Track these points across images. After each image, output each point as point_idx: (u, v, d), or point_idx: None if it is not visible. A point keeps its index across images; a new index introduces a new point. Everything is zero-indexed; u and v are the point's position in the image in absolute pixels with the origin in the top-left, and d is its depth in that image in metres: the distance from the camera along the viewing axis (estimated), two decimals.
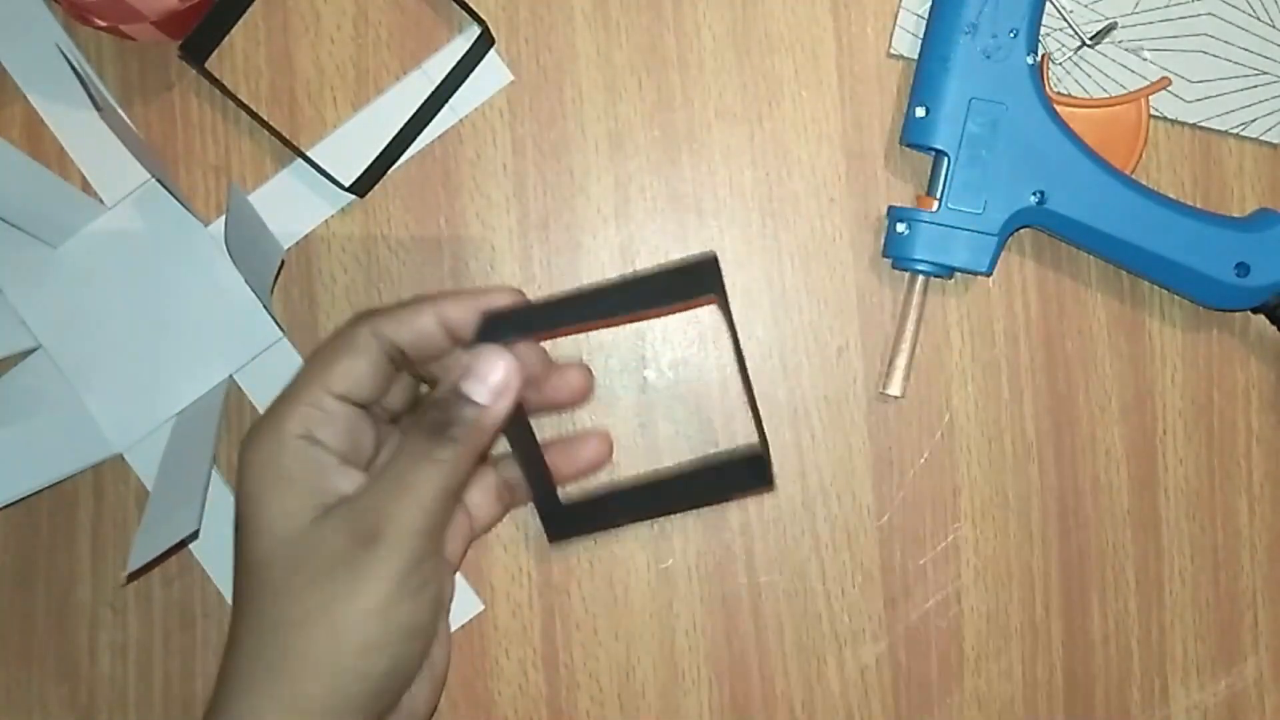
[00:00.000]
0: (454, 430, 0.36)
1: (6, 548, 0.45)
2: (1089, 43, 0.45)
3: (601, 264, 0.46)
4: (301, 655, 0.35)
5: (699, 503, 0.45)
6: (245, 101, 0.44)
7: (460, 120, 0.45)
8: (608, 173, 0.46)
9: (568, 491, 0.43)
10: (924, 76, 0.44)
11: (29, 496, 0.43)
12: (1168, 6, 0.46)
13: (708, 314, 0.46)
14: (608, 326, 0.45)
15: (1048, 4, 0.44)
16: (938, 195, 0.44)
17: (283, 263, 0.45)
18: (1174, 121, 0.46)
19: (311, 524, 0.36)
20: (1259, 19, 0.46)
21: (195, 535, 0.43)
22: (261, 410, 0.45)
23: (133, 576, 0.44)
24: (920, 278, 0.45)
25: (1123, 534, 0.47)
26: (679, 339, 0.46)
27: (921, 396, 0.46)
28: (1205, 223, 0.44)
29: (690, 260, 0.38)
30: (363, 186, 0.45)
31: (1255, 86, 0.46)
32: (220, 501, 0.44)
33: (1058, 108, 0.44)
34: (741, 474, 0.43)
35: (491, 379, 0.37)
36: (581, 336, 0.46)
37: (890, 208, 0.45)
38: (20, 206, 0.41)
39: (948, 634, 0.46)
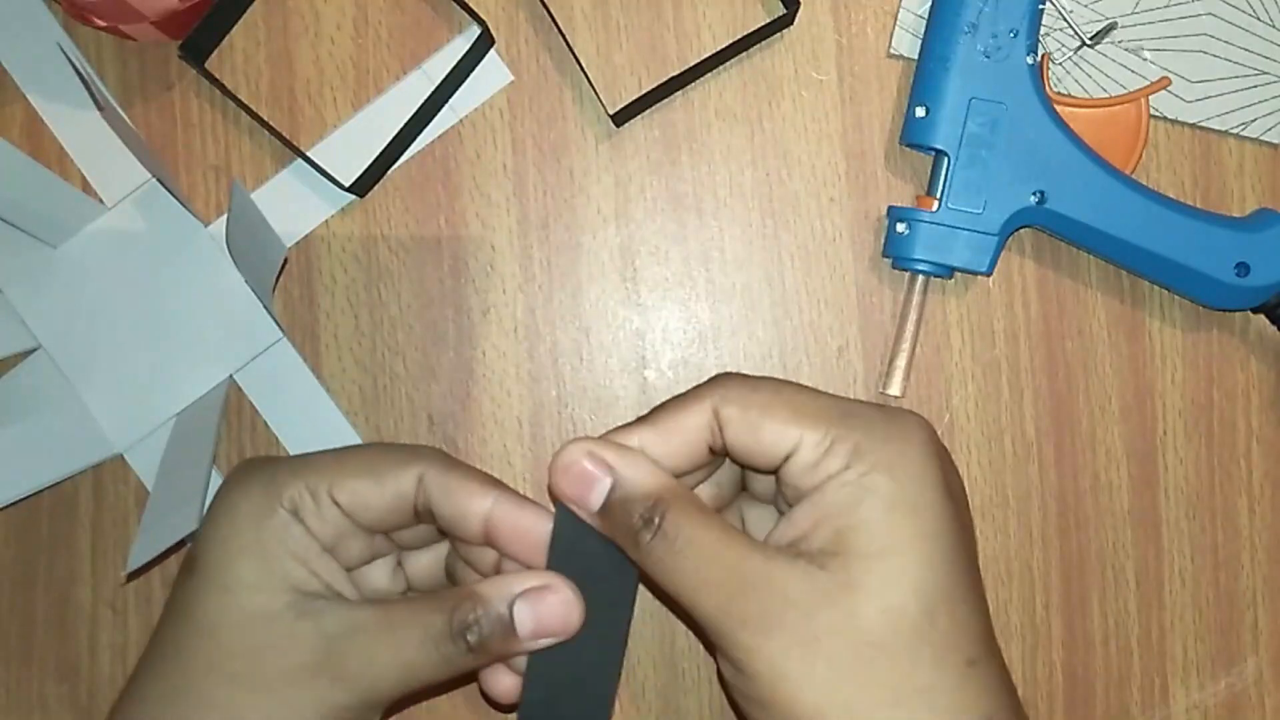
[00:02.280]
0: (475, 639, 0.33)
1: (6, 548, 0.45)
2: (1089, 43, 0.45)
3: (601, 264, 0.46)
4: None
5: None
6: (245, 101, 0.44)
7: (460, 120, 0.45)
8: (608, 173, 0.46)
9: None
10: (924, 76, 0.44)
11: (29, 496, 0.43)
12: (1168, 6, 0.46)
13: (707, 314, 0.46)
14: None
15: (1048, 4, 0.44)
16: (938, 195, 0.44)
17: (285, 261, 0.45)
18: (1174, 121, 0.46)
19: (280, 617, 0.33)
20: (1259, 19, 0.46)
21: (195, 534, 0.43)
22: (261, 410, 0.45)
23: (133, 575, 0.44)
24: (920, 278, 0.45)
25: (1123, 534, 0.47)
26: (679, 339, 0.46)
27: (921, 396, 0.46)
28: (1205, 223, 0.44)
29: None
30: (363, 186, 0.45)
31: (1255, 86, 0.46)
32: None
33: (1058, 108, 0.44)
34: None
35: (547, 620, 0.33)
36: (581, 336, 0.46)
37: (890, 208, 0.45)
38: (20, 206, 0.41)
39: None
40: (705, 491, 0.37)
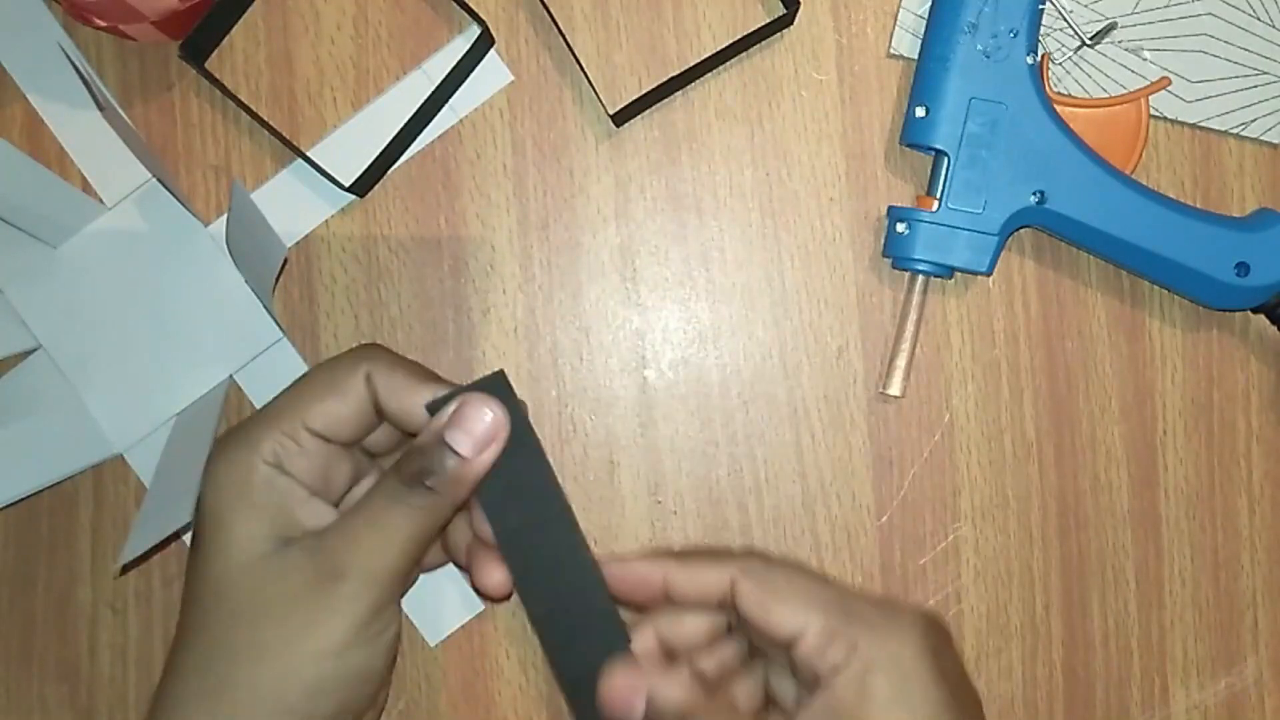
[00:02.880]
0: (432, 480, 0.36)
1: (6, 548, 0.45)
2: (1089, 43, 0.45)
3: (601, 264, 0.46)
4: (247, 688, 0.34)
5: None
6: (245, 101, 0.44)
7: (460, 120, 0.45)
8: (608, 173, 0.46)
9: None
10: (924, 76, 0.44)
11: (29, 496, 0.43)
12: (1168, 6, 0.46)
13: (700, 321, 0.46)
14: None
15: (1048, 4, 0.44)
16: (938, 195, 0.44)
17: (285, 260, 0.45)
18: (1174, 121, 0.46)
19: (274, 554, 0.35)
20: (1259, 19, 0.46)
21: (189, 527, 0.43)
22: None
23: (127, 567, 0.44)
24: (920, 278, 0.45)
25: (1123, 534, 0.47)
26: (679, 339, 0.46)
27: (921, 396, 0.46)
28: (1205, 223, 0.44)
29: (480, 380, 0.38)
30: (363, 186, 0.45)
31: (1255, 86, 0.46)
32: None
33: (1058, 108, 0.44)
34: None
35: (477, 429, 0.36)
36: (581, 336, 0.46)
37: (890, 208, 0.45)
38: (20, 206, 0.41)
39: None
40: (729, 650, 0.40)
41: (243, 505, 0.36)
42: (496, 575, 0.39)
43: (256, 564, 0.35)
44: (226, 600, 0.35)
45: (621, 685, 0.37)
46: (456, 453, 0.36)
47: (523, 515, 0.38)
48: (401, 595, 0.38)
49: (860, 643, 0.36)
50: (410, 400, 0.37)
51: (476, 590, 0.41)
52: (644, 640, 0.39)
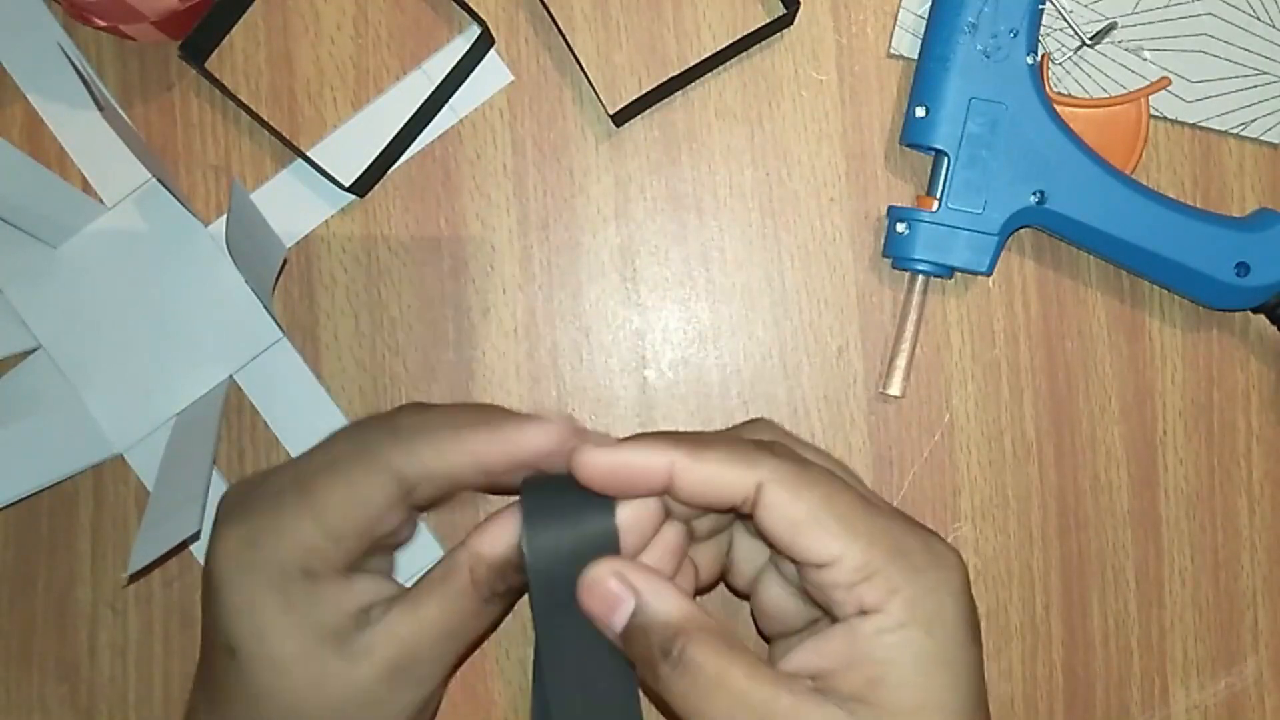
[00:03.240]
0: (500, 589, 0.34)
1: (6, 548, 0.45)
2: (1089, 43, 0.45)
3: (601, 264, 0.46)
4: None
5: None
6: (245, 101, 0.44)
7: (460, 120, 0.45)
8: (608, 173, 0.46)
9: None
10: (924, 76, 0.44)
11: (29, 496, 0.43)
12: (1168, 6, 0.46)
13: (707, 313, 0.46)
14: None
15: (1048, 4, 0.44)
16: (938, 195, 0.44)
17: (285, 260, 0.45)
18: (1174, 121, 0.46)
19: (341, 664, 0.33)
20: (1259, 19, 0.46)
21: (197, 536, 0.43)
22: (262, 410, 0.45)
23: (134, 577, 0.44)
24: (920, 278, 0.45)
25: (1123, 534, 0.47)
26: (679, 339, 0.46)
27: (921, 396, 0.46)
28: (1205, 223, 0.44)
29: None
30: (363, 186, 0.45)
31: (1255, 86, 0.46)
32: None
33: (1058, 108, 0.44)
34: None
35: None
36: (581, 336, 0.46)
37: (890, 208, 0.45)
38: (20, 206, 0.41)
39: None
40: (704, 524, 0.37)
41: (284, 624, 0.33)
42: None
43: (325, 681, 0.33)
44: (296, 713, 0.33)
45: (609, 585, 0.33)
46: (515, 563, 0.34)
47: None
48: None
49: (903, 590, 0.31)
50: (453, 469, 0.34)
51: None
52: (633, 514, 0.33)
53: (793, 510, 0.32)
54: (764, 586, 0.37)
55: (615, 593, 0.32)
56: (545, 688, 0.34)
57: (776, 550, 0.33)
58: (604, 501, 0.33)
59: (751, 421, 0.39)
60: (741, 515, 0.34)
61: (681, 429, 0.45)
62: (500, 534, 0.34)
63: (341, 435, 0.36)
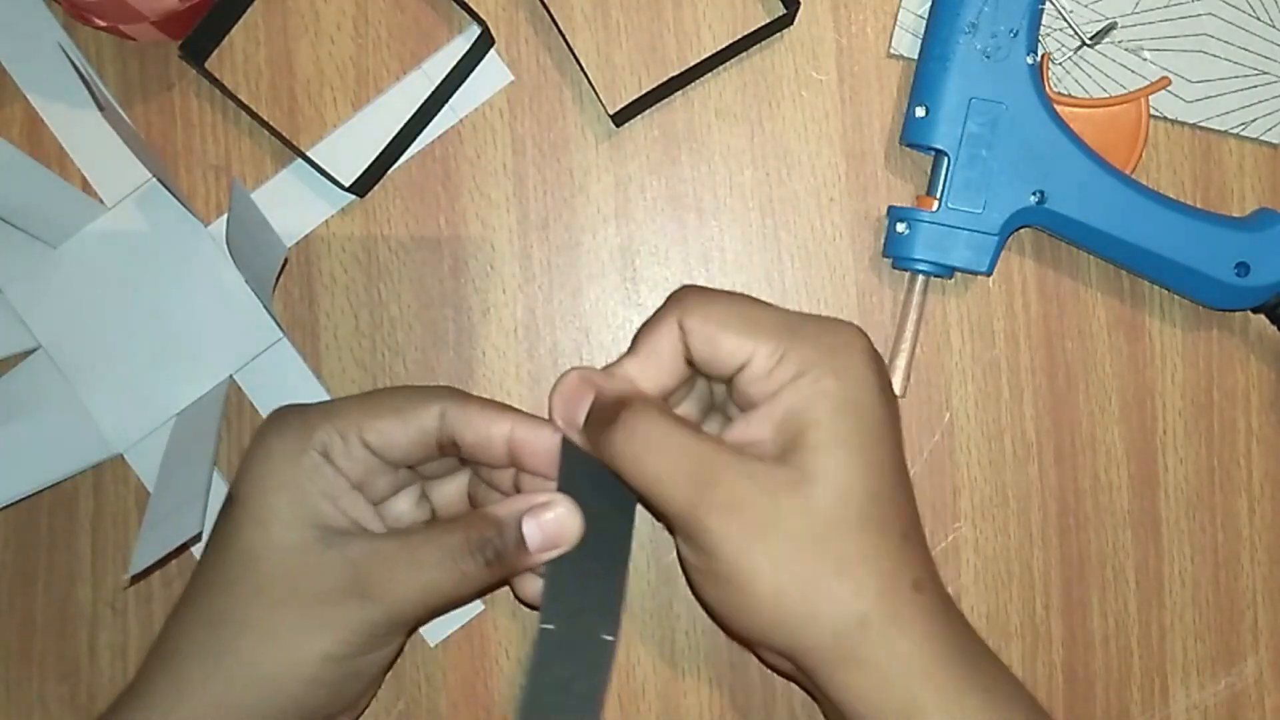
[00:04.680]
0: (491, 556, 0.36)
1: (6, 548, 0.45)
2: (1089, 43, 0.45)
3: (601, 264, 0.46)
4: (248, 663, 0.35)
5: None
6: (245, 101, 0.44)
7: (460, 120, 0.45)
8: (608, 173, 0.46)
9: None
10: (924, 76, 0.44)
11: (29, 496, 0.43)
12: (1168, 6, 0.46)
13: None
14: None
15: (1048, 4, 0.44)
16: (938, 195, 0.44)
17: (286, 260, 0.45)
18: (1174, 121, 0.46)
19: (312, 546, 0.36)
20: (1259, 19, 0.46)
21: (199, 538, 0.43)
22: (262, 410, 0.45)
23: (135, 579, 0.44)
24: (920, 278, 0.45)
25: (1123, 534, 0.47)
26: None
27: (921, 396, 0.46)
28: (1205, 223, 0.44)
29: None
30: (363, 186, 0.45)
31: (1255, 86, 0.46)
32: (221, 502, 0.44)
33: (1058, 108, 0.44)
34: None
35: (551, 535, 0.37)
36: (581, 336, 0.46)
37: (890, 208, 0.45)
38: (20, 206, 0.41)
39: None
40: (682, 410, 0.40)
41: (288, 483, 0.36)
42: (537, 585, 0.39)
43: (293, 551, 0.36)
44: (253, 574, 0.36)
45: (571, 379, 0.37)
46: (525, 543, 0.36)
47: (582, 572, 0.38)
48: (420, 626, 0.39)
49: (810, 356, 0.35)
50: (490, 430, 0.37)
51: (517, 597, 0.41)
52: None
53: (705, 328, 0.36)
54: None
55: (577, 390, 0.37)
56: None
57: (708, 375, 0.38)
58: None
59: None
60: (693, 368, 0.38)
61: None
62: (509, 505, 0.37)
63: (409, 387, 0.40)
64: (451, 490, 0.41)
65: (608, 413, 0.36)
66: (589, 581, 0.37)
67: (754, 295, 0.45)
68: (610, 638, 0.37)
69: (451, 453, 0.38)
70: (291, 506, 0.36)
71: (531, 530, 0.36)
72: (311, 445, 0.36)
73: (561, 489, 0.37)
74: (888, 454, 0.36)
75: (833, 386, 0.35)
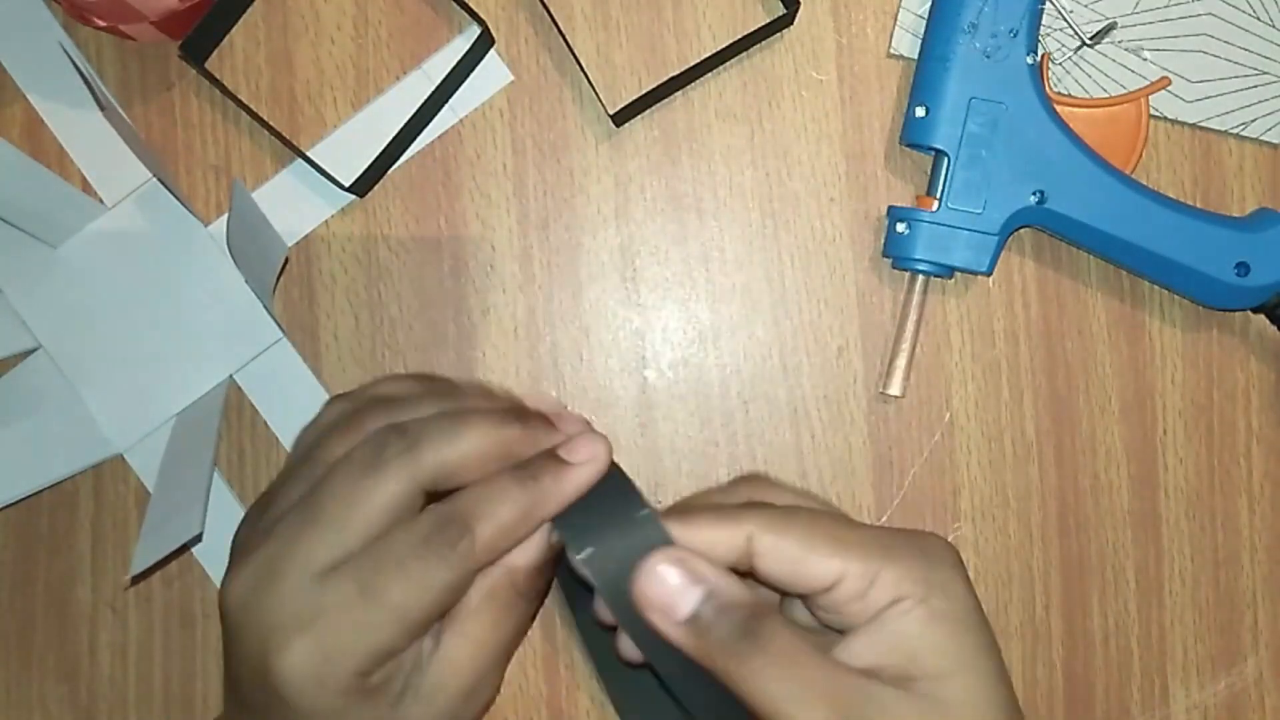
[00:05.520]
0: (528, 589, 0.35)
1: (6, 548, 0.45)
2: (1089, 43, 0.45)
3: (601, 264, 0.46)
4: None
5: None
6: (245, 101, 0.44)
7: (460, 120, 0.45)
8: (608, 173, 0.46)
9: None
10: (924, 76, 0.44)
11: (29, 496, 0.43)
12: (1168, 6, 0.46)
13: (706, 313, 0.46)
14: None
15: (1048, 4, 0.44)
16: (938, 195, 0.44)
17: (286, 260, 0.45)
18: (1174, 121, 0.46)
19: (356, 691, 0.33)
20: (1259, 19, 0.46)
21: (199, 538, 0.43)
22: (262, 410, 0.45)
23: (136, 579, 0.44)
24: (920, 278, 0.45)
25: (1123, 534, 0.47)
26: (679, 339, 0.46)
27: (921, 396, 0.46)
28: (1205, 223, 0.44)
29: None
30: (363, 186, 0.45)
31: (1255, 86, 0.46)
32: (221, 503, 0.44)
33: (1058, 108, 0.44)
34: None
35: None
36: (581, 336, 0.46)
37: (890, 208, 0.45)
38: (20, 206, 0.41)
39: None
40: None
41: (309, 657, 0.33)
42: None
43: (340, 703, 0.33)
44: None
45: (671, 575, 0.33)
46: (550, 560, 0.35)
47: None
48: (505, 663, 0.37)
49: (908, 575, 0.33)
50: (476, 450, 0.34)
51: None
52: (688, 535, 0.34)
53: (785, 547, 0.33)
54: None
55: (679, 581, 0.33)
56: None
57: (784, 592, 0.35)
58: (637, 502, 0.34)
59: (741, 478, 0.40)
60: (742, 574, 0.34)
61: (681, 429, 0.45)
62: (530, 544, 0.35)
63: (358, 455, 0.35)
64: None
65: (740, 620, 0.33)
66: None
67: (756, 298, 0.46)
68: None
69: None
70: (321, 676, 0.33)
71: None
72: (366, 688, 0.33)
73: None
74: (1002, 671, 0.34)
75: (940, 605, 0.33)
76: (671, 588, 0.33)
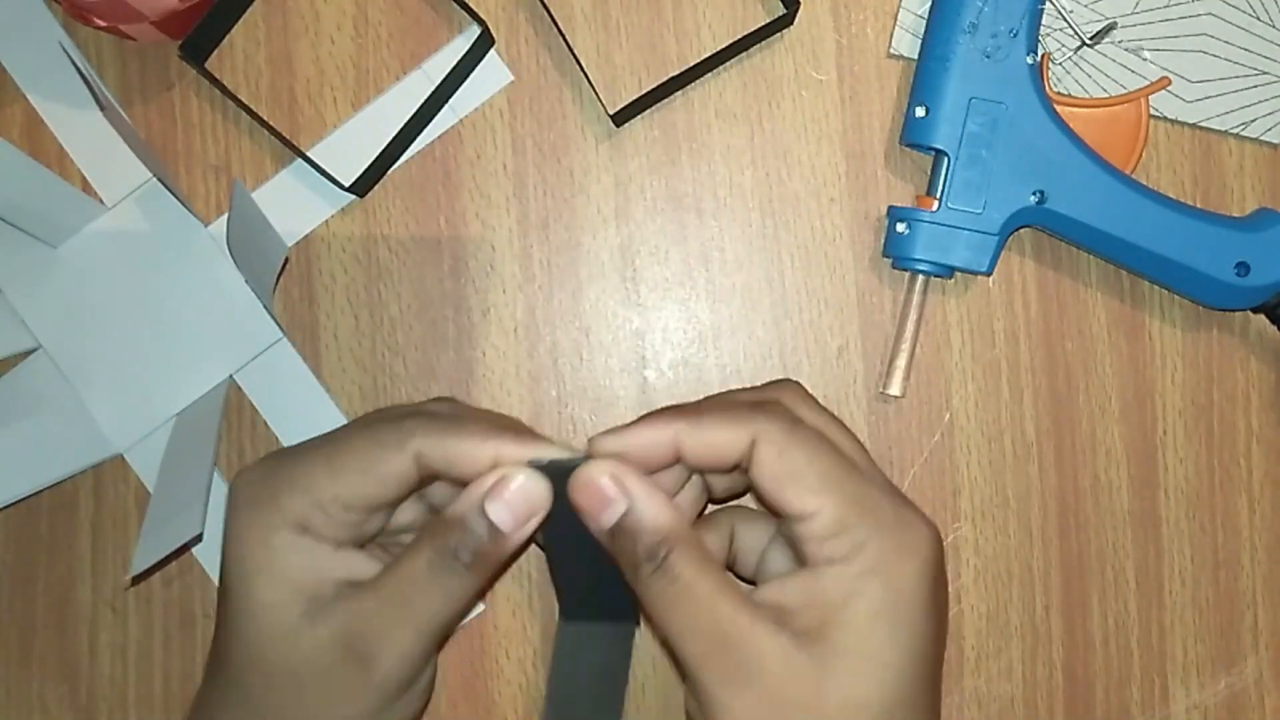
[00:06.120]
0: (466, 554, 0.34)
1: (6, 548, 0.45)
2: (1089, 43, 0.45)
3: (601, 264, 0.46)
4: None
5: None
6: (245, 101, 0.44)
7: (460, 120, 0.45)
8: (608, 173, 0.46)
9: None
10: (924, 76, 0.44)
11: (29, 496, 0.43)
12: (1168, 6, 0.46)
13: (706, 314, 0.46)
14: None
15: (1048, 4, 0.44)
16: (938, 195, 0.44)
17: (286, 260, 0.45)
18: (1174, 121, 0.46)
19: (303, 622, 0.34)
20: (1259, 19, 0.46)
21: (199, 538, 0.43)
22: (262, 410, 0.45)
23: (136, 580, 0.44)
24: (920, 278, 0.45)
25: (1123, 534, 0.47)
26: (679, 339, 0.46)
27: (921, 396, 0.46)
28: (1205, 223, 0.44)
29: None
30: (363, 186, 0.45)
31: (1255, 86, 0.46)
32: (222, 503, 0.44)
33: (1058, 108, 0.44)
34: None
35: (520, 508, 0.34)
36: (581, 336, 0.46)
37: (890, 208, 0.45)
38: (20, 206, 0.41)
39: (948, 633, 0.46)
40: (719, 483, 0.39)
41: (264, 566, 0.34)
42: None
43: (285, 637, 0.34)
44: (259, 665, 0.34)
45: (601, 484, 0.34)
46: (496, 527, 0.34)
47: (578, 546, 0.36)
48: (438, 651, 0.37)
49: (868, 545, 0.33)
50: (473, 462, 0.35)
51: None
52: (628, 441, 0.35)
53: (778, 466, 0.34)
54: (765, 568, 0.39)
55: (607, 493, 0.34)
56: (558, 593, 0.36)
57: (763, 503, 0.36)
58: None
59: (775, 382, 0.40)
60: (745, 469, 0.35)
61: None
62: (465, 499, 0.35)
63: (376, 413, 0.37)
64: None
65: (645, 543, 0.34)
66: (605, 578, 0.36)
67: (756, 298, 0.46)
68: (631, 627, 0.37)
69: (434, 480, 0.36)
70: (273, 590, 0.34)
71: (499, 512, 0.34)
72: (282, 522, 0.34)
73: (548, 536, 0.36)
74: (916, 671, 0.34)
75: (876, 590, 0.33)
76: (597, 498, 0.34)
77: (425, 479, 0.36)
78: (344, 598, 0.35)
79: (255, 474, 0.36)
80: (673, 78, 0.44)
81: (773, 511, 0.36)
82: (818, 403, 0.38)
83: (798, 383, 0.39)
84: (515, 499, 0.34)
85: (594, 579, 0.37)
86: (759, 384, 0.40)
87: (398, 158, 0.45)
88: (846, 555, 0.33)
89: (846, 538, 0.34)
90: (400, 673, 0.35)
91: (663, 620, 0.34)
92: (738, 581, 0.34)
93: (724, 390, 0.46)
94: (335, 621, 0.34)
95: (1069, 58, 0.46)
